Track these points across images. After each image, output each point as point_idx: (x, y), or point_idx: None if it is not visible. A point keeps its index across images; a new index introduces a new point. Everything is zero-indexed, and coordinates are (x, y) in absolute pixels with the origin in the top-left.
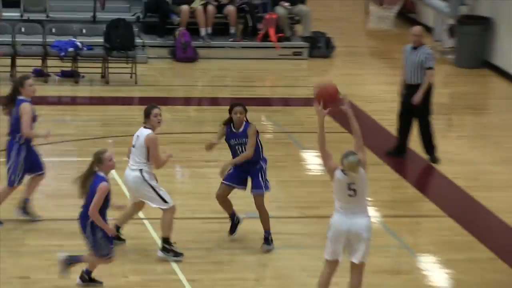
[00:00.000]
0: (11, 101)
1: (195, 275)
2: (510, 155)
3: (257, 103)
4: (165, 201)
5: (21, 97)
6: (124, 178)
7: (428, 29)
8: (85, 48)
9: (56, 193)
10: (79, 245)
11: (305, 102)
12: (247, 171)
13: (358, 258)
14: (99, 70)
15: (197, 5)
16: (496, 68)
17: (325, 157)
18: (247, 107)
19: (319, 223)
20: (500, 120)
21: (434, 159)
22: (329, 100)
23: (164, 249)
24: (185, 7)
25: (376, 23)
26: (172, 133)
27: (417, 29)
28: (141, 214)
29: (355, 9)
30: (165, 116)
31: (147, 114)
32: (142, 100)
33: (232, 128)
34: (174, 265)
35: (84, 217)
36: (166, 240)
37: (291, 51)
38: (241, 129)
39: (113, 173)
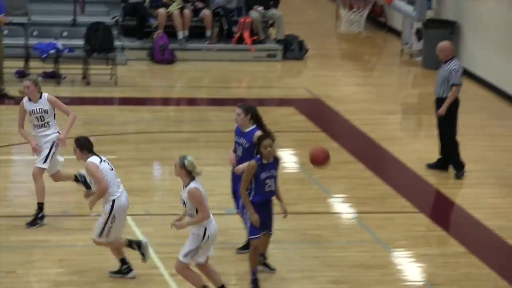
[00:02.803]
0: None
1: None
2: (478, 152)
3: (233, 103)
4: None
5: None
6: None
7: (397, 33)
8: (66, 50)
9: None
10: (64, 241)
11: (280, 102)
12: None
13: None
14: (80, 72)
15: (174, 9)
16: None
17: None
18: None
19: (297, 219)
20: (468, 119)
21: (459, 176)
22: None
23: None
24: (162, 11)
25: (346, 26)
26: (151, 132)
27: (438, 45)
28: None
29: (326, 13)
30: (145, 116)
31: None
32: (121, 100)
33: (262, 161)
34: (157, 260)
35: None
36: None
37: (265, 53)
38: (271, 160)
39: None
